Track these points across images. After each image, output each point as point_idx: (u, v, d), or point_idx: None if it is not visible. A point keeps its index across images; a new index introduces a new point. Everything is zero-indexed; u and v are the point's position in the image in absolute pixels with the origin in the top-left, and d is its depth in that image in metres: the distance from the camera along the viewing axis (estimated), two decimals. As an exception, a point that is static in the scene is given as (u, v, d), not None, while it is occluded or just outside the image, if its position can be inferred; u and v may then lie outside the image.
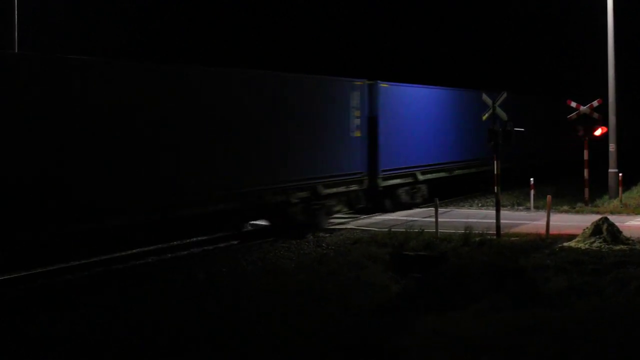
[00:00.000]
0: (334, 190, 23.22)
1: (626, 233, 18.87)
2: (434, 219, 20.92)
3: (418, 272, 16.78)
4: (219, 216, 19.70)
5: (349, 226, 22.97)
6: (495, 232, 19.88)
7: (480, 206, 28.03)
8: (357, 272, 16.39)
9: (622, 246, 17.88)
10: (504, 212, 22.09)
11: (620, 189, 27.22)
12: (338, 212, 24.64)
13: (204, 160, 18.89)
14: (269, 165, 20.83)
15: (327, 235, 21.40)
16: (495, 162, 20.66)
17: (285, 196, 21.24)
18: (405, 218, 24.66)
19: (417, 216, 24.91)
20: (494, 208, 20.98)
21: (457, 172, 30.67)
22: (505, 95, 20.79)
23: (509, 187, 29.88)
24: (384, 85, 26.16)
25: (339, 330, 12.16)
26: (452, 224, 21.96)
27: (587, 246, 17.94)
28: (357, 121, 24.46)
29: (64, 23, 35.41)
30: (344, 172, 23.75)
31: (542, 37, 57.89)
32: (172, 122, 18.19)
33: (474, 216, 24.39)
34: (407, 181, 27.11)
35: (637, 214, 24.51)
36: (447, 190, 30.09)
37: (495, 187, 20.73)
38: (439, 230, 20.35)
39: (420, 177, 27.91)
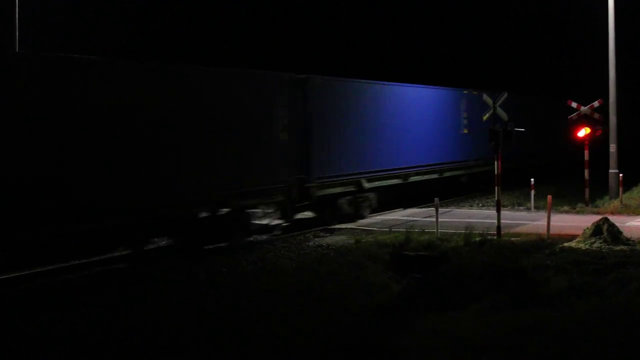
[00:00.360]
0: (252, 202, 20.28)
1: (626, 233, 18.87)
2: (434, 219, 20.94)
3: (418, 272, 16.78)
4: (105, 234, 16.87)
5: (349, 226, 22.96)
6: (495, 232, 19.89)
7: (481, 206, 28.03)
8: (357, 272, 16.40)
9: (622, 247, 17.87)
10: (504, 212, 22.10)
11: (620, 189, 27.22)
12: (264, 226, 21.62)
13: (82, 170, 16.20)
14: (165, 175, 17.76)
15: (328, 235, 21.40)
16: (496, 162, 20.66)
17: (187, 210, 18.42)
18: (405, 218, 24.67)
19: (418, 216, 24.91)
20: (495, 208, 21.00)
21: (414, 178, 27.53)
22: (505, 95, 20.79)
23: (509, 187, 29.87)
24: (319, 80, 23.10)
25: (339, 330, 12.15)
26: (453, 224, 21.97)
27: (587, 246, 17.94)
28: (285, 121, 21.34)
29: (64, 23, 35.42)
30: (265, 181, 20.56)
31: (542, 37, 57.92)
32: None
33: (475, 216, 24.40)
34: (349, 190, 23.93)
35: (637, 215, 24.50)
36: (402, 199, 27.69)
37: (496, 188, 20.74)
38: (440, 230, 20.37)
39: (367, 185, 24.63)
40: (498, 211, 20.31)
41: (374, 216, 25.30)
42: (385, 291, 15.35)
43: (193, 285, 15.33)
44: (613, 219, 19.80)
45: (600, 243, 18.02)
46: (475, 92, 31.43)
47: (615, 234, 18.35)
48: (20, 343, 11.65)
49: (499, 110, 20.42)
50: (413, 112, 27.76)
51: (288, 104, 21.46)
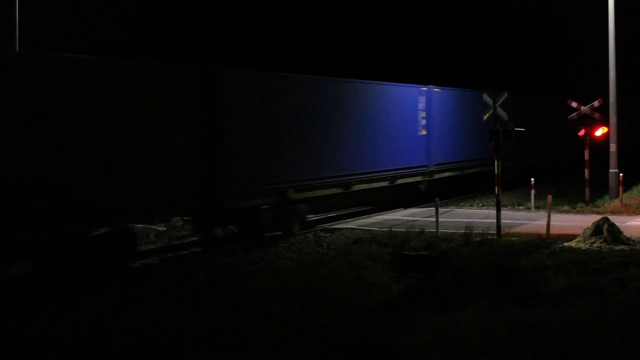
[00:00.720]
0: (141, 218, 17.95)
1: (627, 233, 18.87)
2: (434, 219, 20.95)
3: (419, 272, 16.79)
4: None
5: (349, 226, 22.96)
6: (495, 232, 19.89)
7: (481, 206, 28.02)
8: (358, 272, 16.40)
9: (622, 246, 17.87)
10: (504, 212, 22.09)
11: (620, 189, 27.22)
12: (163, 243, 19.77)
13: None
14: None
15: (328, 235, 21.39)
16: (496, 162, 20.66)
17: (48, 230, 15.51)
18: (406, 218, 24.65)
19: (418, 216, 24.90)
20: (495, 208, 21.00)
21: (358, 187, 24.34)
22: (505, 95, 20.79)
23: (509, 187, 29.83)
24: (232, 73, 19.83)
25: (339, 330, 12.15)
26: (453, 224, 21.97)
27: (587, 246, 17.93)
28: (189, 123, 18.40)
29: (64, 23, 35.43)
30: (159, 193, 17.44)
31: (542, 37, 57.89)
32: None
33: (475, 216, 24.39)
34: (273, 201, 20.64)
35: (637, 214, 24.50)
36: (346, 210, 25.54)
37: (496, 187, 20.75)
38: (440, 230, 20.38)
39: (295, 196, 21.26)
40: (498, 211, 20.31)
41: (374, 216, 25.28)
42: (385, 291, 15.36)
43: (193, 285, 15.34)
44: (613, 218, 19.79)
45: (601, 243, 18.02)
46: (438, 89, 29.31)
47: (615, 233, 18.35)
48: (20, 343, 11.65)
49: (499, 110, 20.42)
50: (358, 111, 24.54)
51: (194, 102, 18.50)
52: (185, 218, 20.46)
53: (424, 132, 27.96)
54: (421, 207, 26.95)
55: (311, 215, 22.61)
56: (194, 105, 18.59)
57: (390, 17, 51.97)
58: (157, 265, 17.94)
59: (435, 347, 11.05)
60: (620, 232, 18.54)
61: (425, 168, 28.10)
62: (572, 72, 54.16)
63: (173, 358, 11.06)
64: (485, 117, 20.81)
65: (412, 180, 27.47)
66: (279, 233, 20.84)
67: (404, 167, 26.63)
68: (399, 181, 26.54)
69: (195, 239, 20.90)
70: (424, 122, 28.01)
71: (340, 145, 23.50)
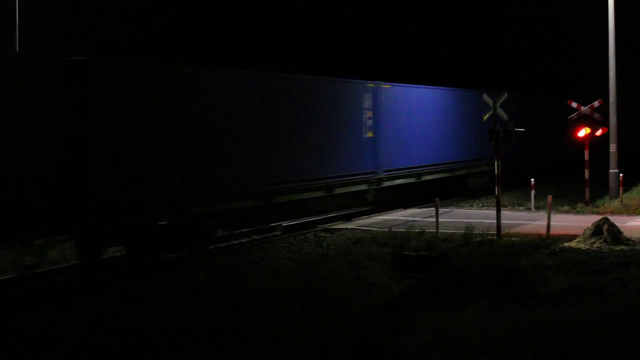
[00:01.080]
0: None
1: (627, 233, 18.87)
2: (434, 219, 20.95)
3: (419, 272, 16.80)
4: None
5: (349, 226, 22.95)
6: (495, 232, 19.90)
7: (481, 206, 28.01)
8: (358, 272, 16.41)
9: (622, 247, 17.87)
10: (504, 213, 22.09)
11: (620, 189, 27.22)
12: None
13: None
14: None
15: (328, 235, 21.38)
16: (496, 162, 20.67)
17: None
18: (405, 218, 24.64)
19: (418, 216, 24.89)
20: (495, 208, 21.01)
21: (283, 198, 21.45)
22: (506, 95, 20.79)
23: (508, 187, 29.78)
24: (108, 65, 16.67)
25: (339, 330, 12.15)
26: (453, 224, 21.96)
27: (587, 246, 17.94)
28: (49, 127, 15.56)
29: (64, 23, 35.45)
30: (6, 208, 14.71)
31: (542, 37, 57.92)
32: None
33: (475, 216, 24.38)
34: (170, 217, 17.82)
35: (637, 215, 24.49)
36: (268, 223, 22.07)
37: (496, 188, 20.76)
38: (440, 230, 20.38)
39: (198, 211, 18.56)
40: (498, 211, 20.31)
41: (374, 216, 25.27)
42: (386, 291, 15.36)
43: (193, 285, 15.34)
44: (613, 219, 19.79)
45: (601, 243, 18.02)
46: (388, 85, 26.18)
47: (615, 234, 18.35)
48: (20, 343, 11.65)
49: (499, 110, 20.42)
50: (282, 111, 21.47)
51: (60, 96, 15.60)
52: (61, 238, 17.37)
53: (370, 134, 24.87)
54: (421, 208, 26.92)
55: (220, 232, 20.03)
56: (61, 101, 15.62)
57: (390, 17, 51.98)
58: (157, 265, 17.93)
59: (435, 347, 11.05)
60: (620, 233, 18.55)
61: (372, 175, 25.04)
62: (572, 72, 54.20)
63: (173, 358, 11.06)
64: (485, 118, 20.82)
65: (356, 189, 24.55)
66: (170, 255, 18.42)
67: (343, 174, 23.60)
68: (338, 190, 23.57)
69: (70, 264, 17.55)
70: (370, 122, 24.91)
71: (257, 150, 20.34)
